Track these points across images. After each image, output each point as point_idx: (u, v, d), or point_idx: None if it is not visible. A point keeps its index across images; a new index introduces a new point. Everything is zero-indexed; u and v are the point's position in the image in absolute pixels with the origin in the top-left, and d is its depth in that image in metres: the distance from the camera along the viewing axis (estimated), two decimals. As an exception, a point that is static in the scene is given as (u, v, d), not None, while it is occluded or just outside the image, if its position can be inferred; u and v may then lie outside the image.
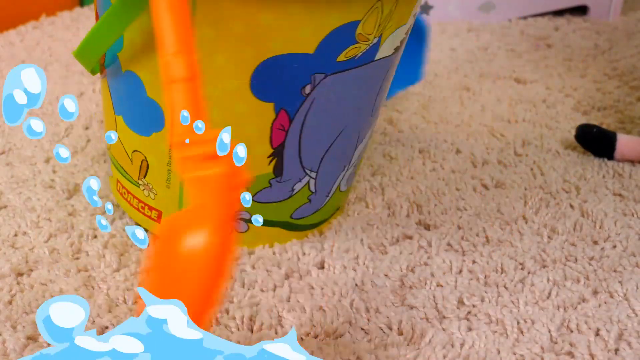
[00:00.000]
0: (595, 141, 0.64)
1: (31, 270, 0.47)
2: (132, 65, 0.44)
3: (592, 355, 0.41)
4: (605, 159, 0.64)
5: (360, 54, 0.42)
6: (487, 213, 0.56)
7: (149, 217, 0.50)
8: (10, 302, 0.44)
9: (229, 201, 0.34)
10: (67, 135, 0.65)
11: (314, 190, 0.48)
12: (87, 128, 0.66)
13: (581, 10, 1.10)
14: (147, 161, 0.48)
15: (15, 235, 0.51)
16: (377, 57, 0.43)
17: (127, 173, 0.50)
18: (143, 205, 0.50)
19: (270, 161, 0.45)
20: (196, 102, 0.34)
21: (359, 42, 0.41)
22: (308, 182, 0.47)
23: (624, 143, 0.63)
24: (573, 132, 0.67)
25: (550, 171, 0.62)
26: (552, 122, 0.73)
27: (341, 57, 0.41)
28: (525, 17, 1.08)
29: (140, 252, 0.49)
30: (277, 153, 0.45)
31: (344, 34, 0.40)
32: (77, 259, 0.49)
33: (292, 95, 0.42)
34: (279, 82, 0.41)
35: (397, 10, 0.41)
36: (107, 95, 0.49)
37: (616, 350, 0.42)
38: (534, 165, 0.63)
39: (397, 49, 0.45)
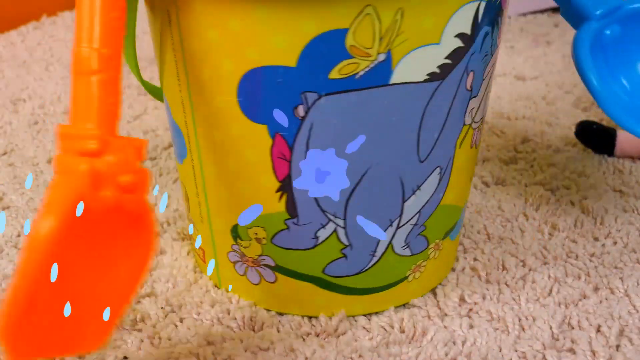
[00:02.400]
0: (596, 137, 0.64)
1: (34, 270, 0.48)
2: (161, 83, 0.42)
3: (593, 352, 0.42)
4: (606, 156, 0.64)
5: (362, 72, 0.35)
6: (487, 210, 0.56)
7: (198, 254, 0.48)
8: (13, 303, 0.45)
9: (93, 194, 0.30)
10: (69, 136, 0.65)
11: (347, 243, 0.41)
12: (88, 128, 0.66)
13: (581, 7, 1.10)
14: (185, 189, 0.44)
15: (18, 235, 0.51)
16: (392, 81, 0.35)
17: (186, 202, 0.47)
18: (193, 240, 0.48)
19: (280, 197, 0.39)
20: (98, 96, 0.31)
21: (354, 57, 0.34)
22: (336, 230, 0.40)
23: (624, 139, 0.63)
24: (573, 129, 0.67)
25: (550, 168, 0.62)
26: (552, 119, 0.73)
27: (334, 74, 0.35)
28: (524, 14, 1.08)
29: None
30: (285, 187, 0.39)
31: (329, 45, 0.34)
32: (80, 259, 0.49)
33: (285, 117, 0.36)
34: (266, 99, 0.36)
35: (408, 23, 0.34)
36: None
37: (617, 346, 0.42)
38: (534, 162, 0.63)
39: (433, 75, 0.36)
